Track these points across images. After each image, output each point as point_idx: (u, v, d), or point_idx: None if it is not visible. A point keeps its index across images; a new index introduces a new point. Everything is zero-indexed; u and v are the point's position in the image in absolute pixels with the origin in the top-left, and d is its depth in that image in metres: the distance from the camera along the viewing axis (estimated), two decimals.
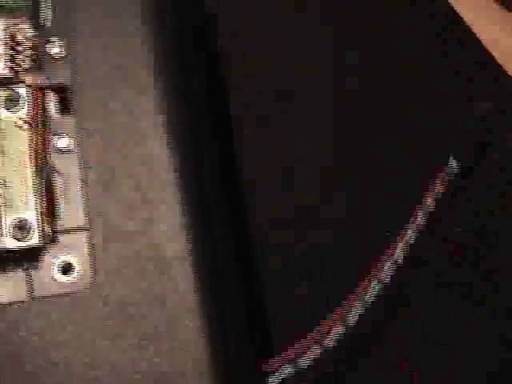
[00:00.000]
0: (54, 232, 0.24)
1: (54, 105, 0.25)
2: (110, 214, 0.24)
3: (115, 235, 0.24)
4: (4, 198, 0.24)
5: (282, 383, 0.24)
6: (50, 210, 0.25)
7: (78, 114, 0.25)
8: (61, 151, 0.25)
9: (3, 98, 0.25)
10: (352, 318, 0.26)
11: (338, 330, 0.25)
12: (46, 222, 0.24)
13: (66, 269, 0.24)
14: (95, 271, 0.24)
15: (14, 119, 0.25)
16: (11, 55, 0.25)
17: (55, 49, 0.26)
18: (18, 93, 0.25)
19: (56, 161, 0.25)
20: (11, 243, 0.24)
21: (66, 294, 0.24)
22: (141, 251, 0.24)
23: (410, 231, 0.27)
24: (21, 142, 0.25)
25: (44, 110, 0.25)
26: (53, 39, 0.26)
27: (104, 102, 0.25)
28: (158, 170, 0.25)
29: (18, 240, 0.24)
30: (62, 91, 0.25)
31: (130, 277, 0.24)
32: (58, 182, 0.25)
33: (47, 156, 0.25)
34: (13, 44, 0.25)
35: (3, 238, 0.24)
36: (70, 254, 0.25)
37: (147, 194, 0.25)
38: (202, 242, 0.24)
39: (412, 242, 0.27)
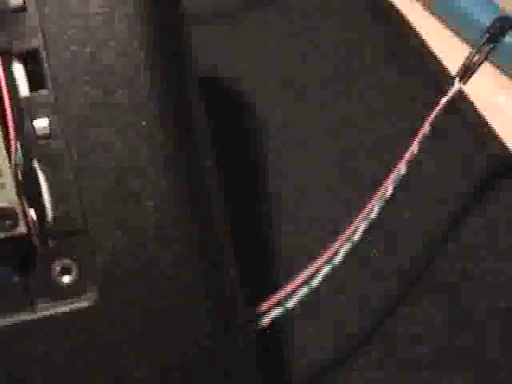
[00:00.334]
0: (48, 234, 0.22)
1: (24, 77, 0.22)
2: None
3: None
4: None
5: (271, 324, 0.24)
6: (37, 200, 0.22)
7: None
8: (39, 136, 0.21)
9: None
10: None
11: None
12: (32, 209, 0.22)
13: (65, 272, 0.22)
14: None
15: None
16: None
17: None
18: None
19: (36, 148, 0.22)
20: None
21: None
22: None
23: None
24: None
25: (10, 83, 0.21)
26: None
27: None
28: None
29: (2, 231, 0.22)
30: (31, 58, 0.21)
31: None
32: (42, 172, 0.22)
33: (24, 142, 0.22)
34: None
35: None
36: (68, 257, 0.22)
37: None
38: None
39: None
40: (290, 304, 0.24)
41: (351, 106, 0.35)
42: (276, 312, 0.24)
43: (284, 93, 0.35)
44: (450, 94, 0.25)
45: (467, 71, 0.26)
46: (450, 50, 0.37)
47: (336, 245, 0.24)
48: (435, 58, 0.36)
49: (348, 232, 0.24)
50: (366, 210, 0.25)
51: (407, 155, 0.25)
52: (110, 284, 0.22)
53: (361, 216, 0.25)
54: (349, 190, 0.33)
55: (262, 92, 0.35)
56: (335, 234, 0.25)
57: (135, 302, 0.22)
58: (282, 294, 0.24)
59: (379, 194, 0.25)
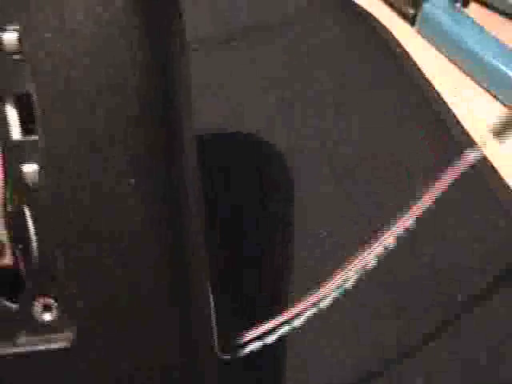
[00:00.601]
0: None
1: (15, 122, 0.22)
2: None
3: None
4: None
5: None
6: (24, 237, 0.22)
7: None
8: (27, 180, 0.22)
9: None
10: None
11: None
12: (19, 242, 0.22)
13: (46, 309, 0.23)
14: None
15: None
16: None
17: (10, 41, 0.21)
18: None
19: (23, 191, 0.22)
20: None
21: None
22: None
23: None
24: None
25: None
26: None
27: None
28: None
29: None
30: (24, 102, 0.21)
31: None
32: (30, 214, 0.22)
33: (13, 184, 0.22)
34: None
35: None
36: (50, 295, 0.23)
37: None
38: None
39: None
40: (297, 323, 0.25)
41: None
42: (282, 330, 0.25)
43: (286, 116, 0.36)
44: (471, 160, 0.25)
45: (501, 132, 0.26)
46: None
47: (348, 270, 0.25)
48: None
49: (361, 258, 0.25)
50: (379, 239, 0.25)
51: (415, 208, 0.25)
52: (88, 324, 0.22)
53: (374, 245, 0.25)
54: (364, 219, 0.34)
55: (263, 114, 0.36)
56: (348, 258, 0.25)
57: (111, 339, 0.22)
58: (289, 313, 0.25)
59: (395, 225, 0.25)
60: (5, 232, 0.22)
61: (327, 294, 0.25)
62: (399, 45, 0.43)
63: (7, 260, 0.22)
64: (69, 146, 0.21)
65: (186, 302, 0.23)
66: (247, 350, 0.25)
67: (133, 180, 0.21)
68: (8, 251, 0.22)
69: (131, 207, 0.22)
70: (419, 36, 0.45)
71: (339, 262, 0.26)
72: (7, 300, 0.23)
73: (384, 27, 0.45)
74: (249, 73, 0.39)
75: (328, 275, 0.25)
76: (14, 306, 0.23)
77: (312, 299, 0.25)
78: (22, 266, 0.23)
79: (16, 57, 0.21)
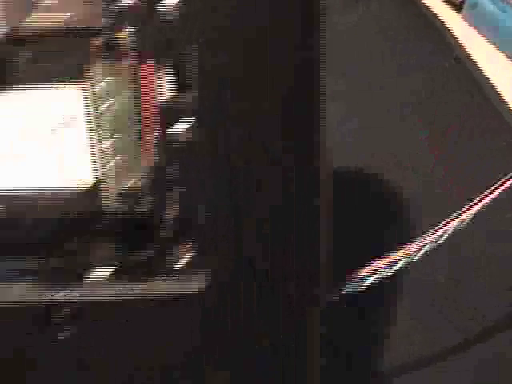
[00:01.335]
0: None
1: (170, 83, 0.23)
2: None
3: None
4: (108, 163, 0.24)
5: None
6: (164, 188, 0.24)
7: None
8: (179, 136, 0.24)
9: (101, 47, 0.23)
10: None
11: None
12: (157, 192, 0.24)
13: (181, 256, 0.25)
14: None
15: (119, 74, 0.23)
16: None
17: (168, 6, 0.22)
18: (118, 42, 0.23)
19: (174, 145, 0.24)
20: (120, 209, 0.24)
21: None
22: None
23: None
24: (126, 104, 0.23)
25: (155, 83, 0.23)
26: None
27: None
28: None
29: (128, 207, 0.24)
30: (179, 64, 0.23)
31: None
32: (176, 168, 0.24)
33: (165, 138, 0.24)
34: None
35: (112, 204, 0.24)
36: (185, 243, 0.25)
37: None
38: None
39: None
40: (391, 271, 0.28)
41: None
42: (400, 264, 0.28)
43: None
44: None
45: None
46: None
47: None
48: None
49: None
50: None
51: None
52: (220, 272, 0.24)
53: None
54: None
55: None
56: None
57: (241, 291, 0.25)
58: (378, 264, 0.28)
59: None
60: (144, 183, 0.24)
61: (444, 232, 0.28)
62: (448, 31, 0.45)
63: (146, 208, 0.24)
64: (220, 108, 0.23)
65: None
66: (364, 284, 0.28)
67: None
68: (145, 201, 0.24)
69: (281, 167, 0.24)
70: (466, 23, 0.47)
71: None
72: (144, 246, 0.25)
73: (432, 12, 0.47)
74: None
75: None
76: (150, 252, 0.25)
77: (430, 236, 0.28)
78: (160, 214, 0.25)
79: (173, 21, 0.23)
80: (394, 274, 0.28)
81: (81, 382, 0.26)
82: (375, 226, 0.37)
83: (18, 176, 0.24)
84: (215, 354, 0.25)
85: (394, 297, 0.35)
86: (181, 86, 0.23)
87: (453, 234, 0.28)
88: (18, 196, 0.24)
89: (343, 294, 0.28)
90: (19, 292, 0.25)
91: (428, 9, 0.46)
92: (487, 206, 0.28)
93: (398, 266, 0.28)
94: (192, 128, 0.23)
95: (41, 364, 0.25)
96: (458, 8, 0.48)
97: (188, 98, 0.23)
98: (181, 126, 0.24)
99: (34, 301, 0.25)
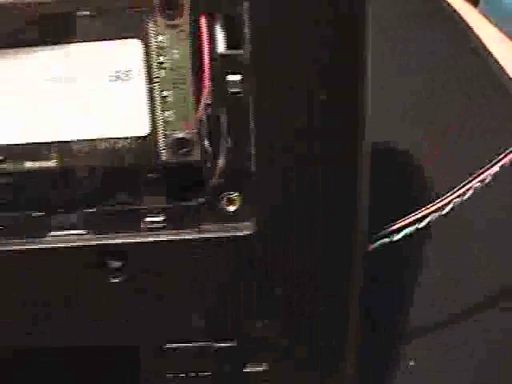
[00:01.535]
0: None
1: (222, 38, 0.25)
2: None
3: None
4: (164, 114, 0.25)
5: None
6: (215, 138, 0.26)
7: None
8: (230, 87, 0.25)
9: (160, 4, 0.24)
10: None
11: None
12: (208, 142, 0.26)
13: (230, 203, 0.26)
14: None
15: (176, 30, 0.24)
16: None
17: None
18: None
19: (225, 97, 0.25)
20: (172, 158, 0.26)
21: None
22: None
23: None
24: (182, 57, 0.25)
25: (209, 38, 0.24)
26: None
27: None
28: None
29: (181, 156, 0.26)
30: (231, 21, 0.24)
31: None
32: (226, 118, 0.25)
33: (217, 89, 0.25)
34: None
35: (163, 154, 0.26)
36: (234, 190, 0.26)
37: None
38: None
39: None
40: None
41: None
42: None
43: None
44: None
45: None
46: None
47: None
48: None
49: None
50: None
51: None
52: (266, 219, 0.26)
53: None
54: None
55: None
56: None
57: (285, 236, 0.26)
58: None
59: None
60: (196, 133, 0.26)
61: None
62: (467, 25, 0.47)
63: (195, 157, 0.26)
64: (272, 61, 0.25)
65: None
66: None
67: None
68: (197, 150, 0.26)
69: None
70: (482, 17, 0.49)
71: None
72: (195, 195, 0.26)
73: (450, 5, 0.48)
74: None
75: None
76: (201, 199, 0.26)
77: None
78: (210, 164, 0.26)
79: None
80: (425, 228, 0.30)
81: (132, 324, 0.27)
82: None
83: (74, 127, 0.26)
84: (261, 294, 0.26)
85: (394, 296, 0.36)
86: (234, 42, 0.25)
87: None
88: (74, 147, 0.26)
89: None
90: (76, 238, 0.26)
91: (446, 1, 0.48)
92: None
93: (427, 220, 0.30)
94: (242, 81, 0.25)
95: (94, 306, 0.27)
96: (474, 1, 0.50)
97: (240, 52, 0.25)
98: (233, 79, 0.25)
99: (89, 246, 0.26)
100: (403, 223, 0.30)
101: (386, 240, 0.30)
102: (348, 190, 0.26)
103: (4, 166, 0.26)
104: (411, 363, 0.35)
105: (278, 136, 0.25)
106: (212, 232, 0.26)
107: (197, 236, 0.26)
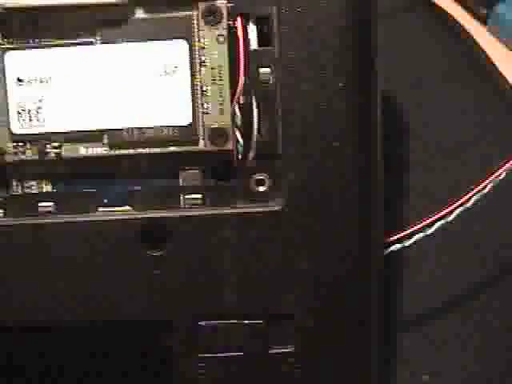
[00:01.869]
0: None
1: (254, 36, 0.29)
2: None
3: None
4: (203, 106, 0.29)
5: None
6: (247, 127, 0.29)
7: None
8: (261, 82, 0.29)
9: (203, 11, 0.28)
10: None
11: None
12: (240, 133, 0.30)
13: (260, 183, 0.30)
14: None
15: (216, 33, 0.29)
16: None
17: None
18: (217, 7, 0.28)
19: (256, 88, 0.29)
20: (209, 146, 0.29)
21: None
22: None
23: None
24: (220, 57, 0.29)
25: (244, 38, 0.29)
26: None
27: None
28: None
29: (218, 144, 0.29)
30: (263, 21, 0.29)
31: None
32: (257, 107, 0.29)
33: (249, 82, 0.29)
34: None
35: (202, 142, 0.29)
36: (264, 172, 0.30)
37: None
38: None
39: None
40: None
41: None
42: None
43: None
44: None
45: None
46: None
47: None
48: None
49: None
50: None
51: None
52: (294, 196, 0.29)
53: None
54: None
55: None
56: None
57: (312, 213, 0.29)
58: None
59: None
60: (230, 125, 0.29)
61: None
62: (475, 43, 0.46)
63: (230, 145, 0.30)
64: (299, 57, 0.29)
65: None
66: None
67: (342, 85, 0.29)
68: (230, 140, 0.29)
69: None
70: (491, 36, 0.48)
71: None
72: (230, 176, 0.30)
73: (459, 24, 0.47)
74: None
75: None
76: (234, 181, 0.30)
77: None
78: (244, 150, 0.30)
79: None
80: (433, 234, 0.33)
81: (168, 298, 0.29)
82: None
83: (125, 116, 0.30)
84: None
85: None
86: (265, 40, 0.29)
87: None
88: (123, 133, 0.30)
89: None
90: (123, 212, 0.30)
91: (454, 20, 0.48)
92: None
93: (436, 226, 0.32)
94: (271, 74, 0.29)
95: (134, 280, 0.29)
96: (482, 20, 0.48)
97: (270, 49, 0.29)
98: (264, 71, 0.29)
99: (135, 220, 0.29)
100: (414, 228, 0.33)
101: (399, 246, 0.33)
102: (367, 173, 0.29)
103: (61, 150, 0.30)
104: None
105: (302, 123, 0.29)
106: (243, 208, 0.29)
107: (229, 211, 0.29)
